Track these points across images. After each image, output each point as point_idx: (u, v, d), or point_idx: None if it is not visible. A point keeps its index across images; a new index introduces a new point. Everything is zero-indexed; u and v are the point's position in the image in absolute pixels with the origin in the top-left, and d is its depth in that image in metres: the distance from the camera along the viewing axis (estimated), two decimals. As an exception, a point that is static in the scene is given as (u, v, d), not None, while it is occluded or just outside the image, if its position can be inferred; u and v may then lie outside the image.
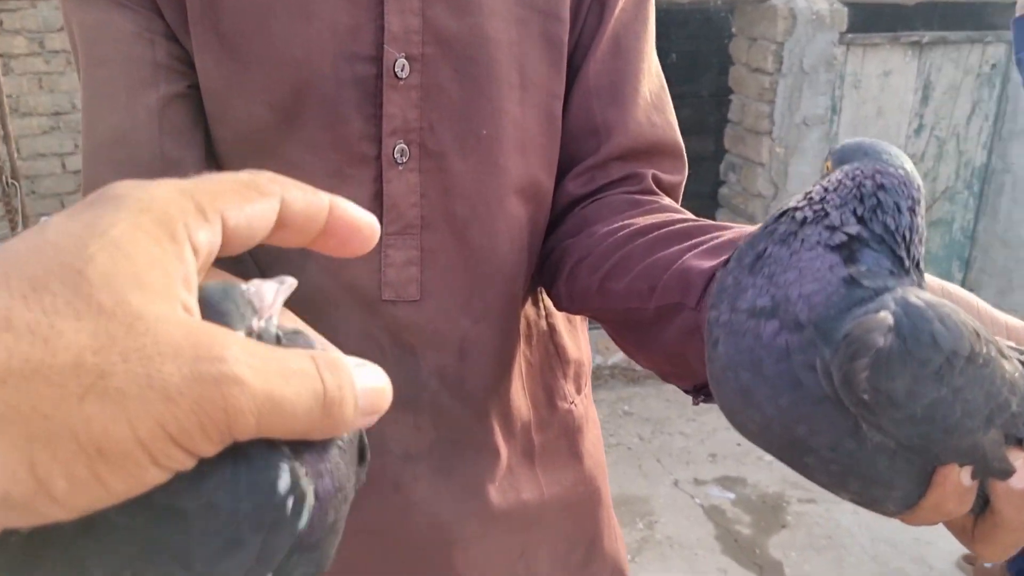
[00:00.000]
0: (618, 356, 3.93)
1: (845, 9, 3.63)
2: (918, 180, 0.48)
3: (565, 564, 0.93)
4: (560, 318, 0.91)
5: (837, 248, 0.46)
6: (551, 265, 0.82)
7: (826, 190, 0.48)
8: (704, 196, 4.30)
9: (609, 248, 0.73)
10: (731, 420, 0.50)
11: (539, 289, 0.87)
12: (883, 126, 3.89)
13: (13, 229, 2.21)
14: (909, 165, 0.48)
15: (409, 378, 0.80)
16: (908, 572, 2.76)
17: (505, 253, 0.80)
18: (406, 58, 0.73)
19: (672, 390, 3.81)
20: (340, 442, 0.36)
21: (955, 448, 0.45)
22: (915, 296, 0.43)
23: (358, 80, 0.73)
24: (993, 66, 3.95)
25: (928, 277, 0.52)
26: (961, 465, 0.46)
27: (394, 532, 0.81)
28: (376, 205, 0.76)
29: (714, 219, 3.90)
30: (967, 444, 0.45)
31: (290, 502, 0.33)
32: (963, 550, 2.77)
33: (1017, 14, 2.11)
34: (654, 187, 0.81)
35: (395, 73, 0.73)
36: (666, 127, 0.84)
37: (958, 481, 0.46)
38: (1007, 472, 0.47)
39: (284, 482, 0.33)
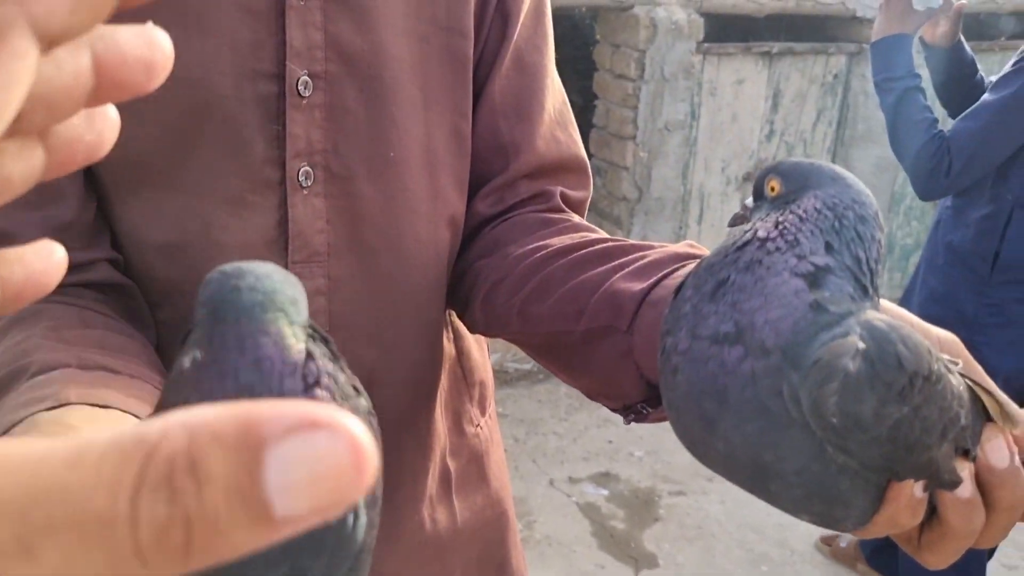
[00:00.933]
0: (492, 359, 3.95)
1: (701, 20, 3.78)
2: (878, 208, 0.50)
3: None
4: (470, 340, 0.89)
5: (802, 275, 0.46)
6: (464, 288, 0.80)
7: (802, 219, 0.48)
8: (571, 199, 4.39)
9: (527, 270, 0.72)
10: (691, 450, 0.50)
11: (448, 313, 0.85)
12: (738, 131, 4.07)
13: None
14: (870, 193, 0.50)
15: None
16: (772, 556, 2.90)
17: (417, 280, 0.77)
18: (309, 75, 0.70)
19: (544, 390, 3.87)
20: None
21: (914, 464, 0.46)
22: (877, 319, 0.45)
23: (260, 99, 0.69)
24: (835, 76, 4.21)
25: None
26: (916, 480, 0.47)
27: None
28: (281, 232, 0.72)
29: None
30: (924, 459, 0.46)
31: (350, 523, 0.34)
32: (820, 532, 2.93)
33: (873, 39, 2.24)
34: (562, 205, 0.80)
35: (298, 91, 0.69)
36: (570, 143, 0.83)
37: (911, 495, 0.48)
38: (955, 483, 0.48)
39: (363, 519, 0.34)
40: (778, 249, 0.47)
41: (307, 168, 0.71)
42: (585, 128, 4.23)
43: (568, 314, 0.66)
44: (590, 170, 0.86)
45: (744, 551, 2.92)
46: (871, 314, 0.46)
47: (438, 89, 0.76)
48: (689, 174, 4.04)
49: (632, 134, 3.86)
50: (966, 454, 0.49)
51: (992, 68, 4.63)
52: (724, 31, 3.94)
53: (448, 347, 0.86)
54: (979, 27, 4.52)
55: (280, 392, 0.33)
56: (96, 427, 0.46)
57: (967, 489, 0.48)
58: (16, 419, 0.49)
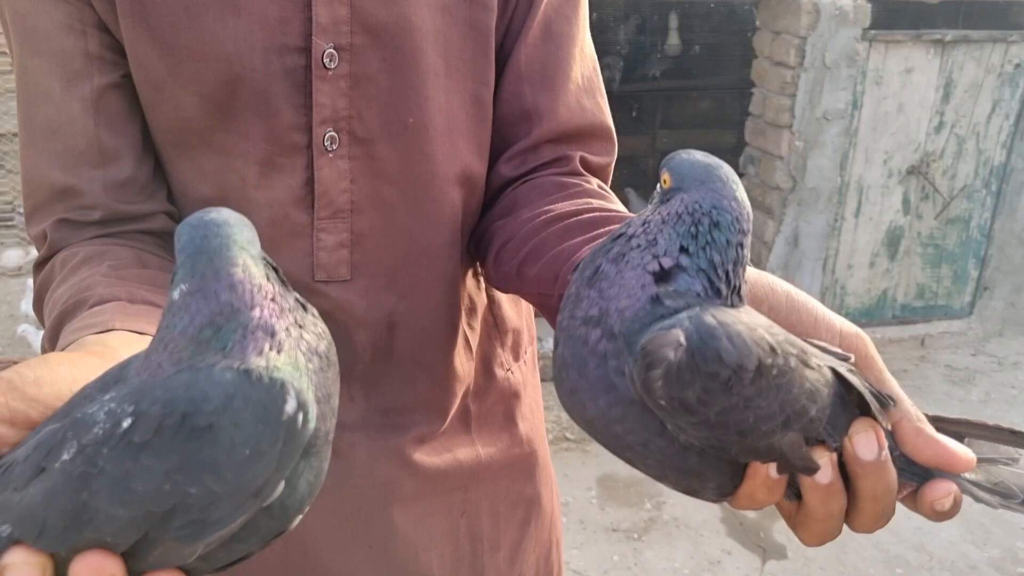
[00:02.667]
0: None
1: (868, 6, 3.65)
2: (748, 211, 0.53)
3: (507, 521, 0.98)
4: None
5: (652, 272, 0.51)
6: (483, 245, 0.86)
7: (664, 221, 0.53)
8: (723, 187, 4.34)
9: (528, 233, 0.76)
10: (569, 415, 0.56)
11: (477, 264, 0.91)
12: (903, 123, 3.91)
13: None
14: (741, 194, 0.53)
15: (343, 353, 0.85)
16: (908, 559, 2.82)
17: (432, 235, 0.83)
18: (334, 48, 0.75)
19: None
20: (320, 360, 0.46)
21: (751, 448, 0.50)
22: (711, 316, 0.49)
23: (288, 71, 0.75)
24: (1017, 66, 3.96)
25: (772, 281, 0.58)
26: (764, 462, 0.51)
27: (335, 495, 0.84)
28: (307, 191, 0.78)
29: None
30: (763, 445, 0.50)
31: (300, 416, 0.42)
32: (965, 539, 2.82)
33: None
34: (581, 169, 0.84)
35: (324, 64, 0.75)
36: (596, 110, 0.87)
37: (767, 475, 0.52)
38: (812, 469, 0.52)
39: (292, 403, 0.41)
40: (639, 246, 0.53)
41: (332, 133, 0.77)
42: (740, 116, 4.18)
43: (547, 279, 0.71)
44: (615, 138, 0.90)
45: (879, 551, 2.85)
46: (711, 310, 0.49)
47: (459, 58, 0.80)
48: (848, 165, 3.92)
49: (788, 123, 3.79)
50: (824, 443, 0.52)
51: None
52: (893, 17, 3.79)
53: (480, 295, 0.92)
54: None
55: (251, 305, 0.43)
56: (131, 350, 0.52)
57: (825, 475, 0.52)
58: (70, 341, 0.59)
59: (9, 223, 4.33)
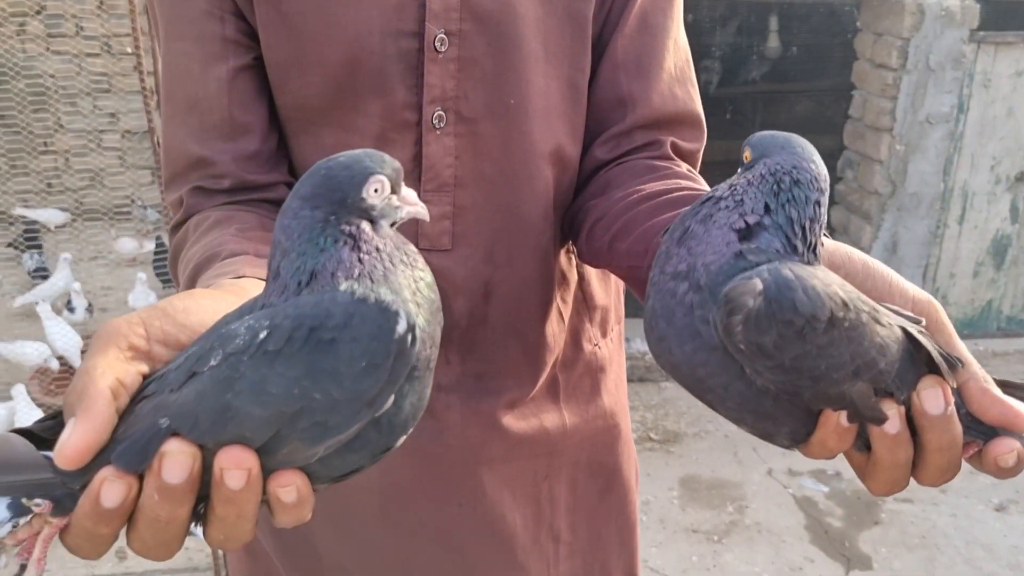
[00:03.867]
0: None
1: (977, 6, 3.54)
2: (825, 173, 0.57)
3: (586, 489, 1.03)
4: (591, 269, 1.00)
5: (737, 230, 0.56)
6: (577, 223, 0.91)
7: (749, 183, 0.57)
8: (820, 192, 4.25)
9: (619, 211, 0.82)
10: (657, 360, 0.61)
11: (570, 241, 0.97)
12: (1013, 127, 3.77)
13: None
14: (818, 159, 0.57)
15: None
16: (1002, 577, 2.72)
17: (528, 209, 0.89)
18: (445, 33, 0.82)
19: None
20: (425, 298, 0.51)
21: (823, 395, 0.54)
22: (788, 269, 0.53)
23: (402, 54, 0.82)
24: None
25: (850, 251, 0.62)
26: (835, 410, 0.55)
27: (430, 453, 0.92)
28: (416, 166, 0.85)
29: (829, 216, 3.88)
30: (834, 392, 0.54)
31: (409, 337, 0.47)
32: (1063, 561, 2.71)
33: None
34: (671, 153, 0.89)
35: (435, 47, 0.82)
36: (687, 99, 0.92)
37: (838, 423, 0.55)
38: (880, 419, 0.55)
39: (403, 324, 0.47)
40: (726, 207, 0.57)
41: (440, 112, 0.84)
42: (839, 119, 4.10)
43: (638, 252, 0.76)
44: (704, 125, 0.94)
45: (971, 568, 2.76)
46: (789, 265, 0.54)
47: (557, 45, 0.86)
48: (952, 171, 3.80)
49: (889, 126, 3.70)
50: (893, 396, 0.56)
51: None
52: (1004, 18, 3.65)
53: (571, 271, 0.97)
54: None
55: (373, 238, 0.51)
56: (259, 291, 0.58)
57: (893, 425, 0.55)
58: (208, 285, 0.66)
59: (127, 215, 4.58)
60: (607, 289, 1.03)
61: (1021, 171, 3.84)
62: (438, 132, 0.85)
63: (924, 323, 0.58)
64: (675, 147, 0.91)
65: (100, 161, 4.77)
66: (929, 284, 3.98)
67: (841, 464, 3.30)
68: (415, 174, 0.86)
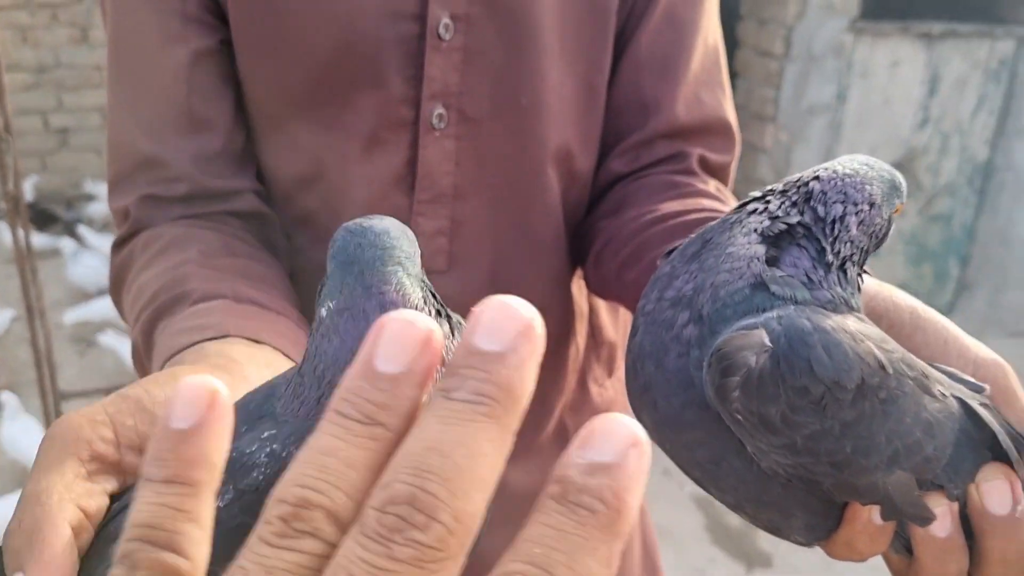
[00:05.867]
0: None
1: (856, -5, 3.57)
2: (881, 197, 0.47)
3: None
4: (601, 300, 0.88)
5: (768, 238, 0.44)
6: (586, 245, 0.80)
7: (784, 191, 0.46)
8: (703, 181, 4.25)
9: (630, 234, 0.72)
10: (636, 416, 0.46)
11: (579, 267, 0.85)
12: (888, 117, 3.84)
13: (4, 184, 2.12)
14: (891, 174, 0.48)
15: None
16: (899, 569, 2.74)
17: (538, 227, 0.78)
18: (451, 18, 0.71)
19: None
20: None
21: (848, 485, 0.42)
22: (806, 319, 0.41)
23: (400, 40, 0.71)
24: (1001, 61, 3.90)
25: (895, 295, 0.50)
26: (865, 504, 0.43)
27: None
28: (409, 172, 0.74)
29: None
30: (863, 483, 0.42)
31: None
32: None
33: None
34: (696, 168, 0.79)
35: (438, 34, 0.71)
36: (716, 105, 0.81)
37: (868, 520, 0.44)
38: (925, 519, 0.44)
39: None
40: (755, 211, 0.45)
41: (441, 110, 0.72)
42: (723, 107, 4.08)
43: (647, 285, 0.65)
44: (737, 135, 0.84)
45: (866, 563, 2.76)
46: (811, 314, 0.41)
47: (576, 40, 0.75)
48: (833, 160, 3.84)
49: (773, 115, 3.70)
50: (942, 489, 0.44)
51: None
52: (881, 9, 3.70)
53: (581, 301, 0.85)
54: None
55: None
56: (255, 364, 0.51)
57: (942, 528, 0.44)
58: (186, 343, 0.54)
59: None
60: (616, 323, 0.90)
61: (897, 160, 3.91)
62: (437, 133, 0.73)
63: (988, 391, 0.46)
64: (703, 160, 0.79)
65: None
66: (810, 273, 4.03)
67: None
68: (408, 182, 0.74)
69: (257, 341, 0.56)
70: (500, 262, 0.78)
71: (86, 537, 0.37)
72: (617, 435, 0.26)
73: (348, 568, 0.23)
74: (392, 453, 0.25)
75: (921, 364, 0.44)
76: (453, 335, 0.41)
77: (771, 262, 0.43)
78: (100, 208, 4.70)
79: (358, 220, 0.41)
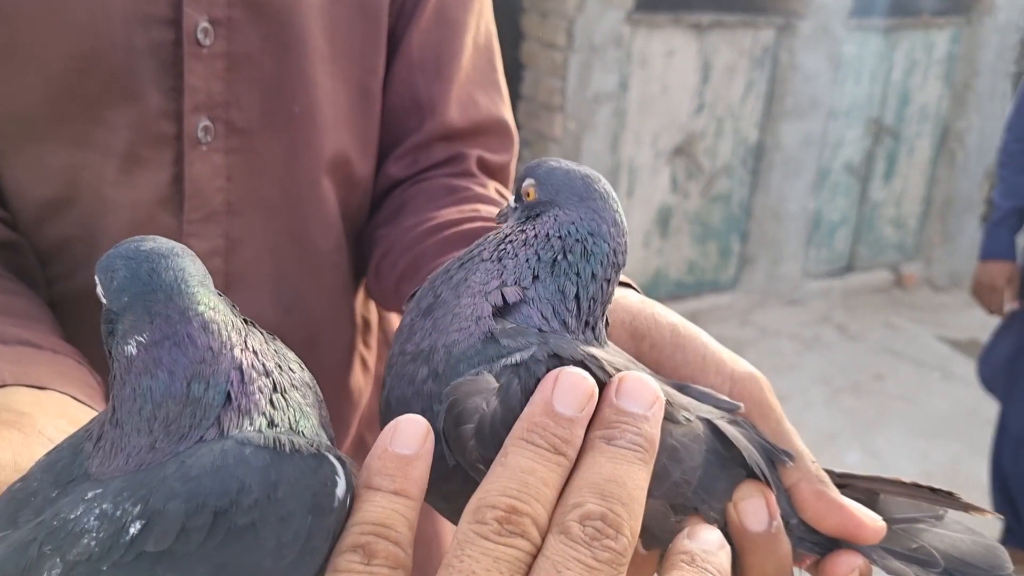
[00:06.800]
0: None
1: (631, -12, 3.71)
2: (627, 240, 0.46)
3: None
4: None
5: (495, 304, 0.43)
6: (366, 254, 0.78)
7: (525, 243, 0.44)
8: (499, 172, 4.29)
9: (407, 244, 0.69)
10: None
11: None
12: (668, 104, 4.02)
13: None
14: (621, 216, 0.45)
15: None
16: None
17: (318, 240, 0.75)
18: (209, 22, 0.65)
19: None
20: (311, 391, 0.40)
21: None
22: (545, 356, 0.40)
23: (154, 47, 0.65)
24: (764, 49, 4.18)
25: (657, 313, 0.50)
26: None
27: None
28: (176, 191, 0.69)
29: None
30: None
31: (348, 497, 0.35)
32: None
33: None
34: (475, 169, 0.78)
35: (197, 39, 0.65)
36: (491, 105, 0.80)
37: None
38: None
39: (342, 481, 0.35)
40: (486, 270, 0.44)
41: (207, 123, 0.68)
42: (513, 99, 4.13)
43: None
44: (515, 133, 0.82)
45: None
46: (550, 346, 0.41)
47: (347, 42, 0.72)
48: (619, 146, 3.98)
49: (561, 105, 3.79)
50: (697, 513, 0.44)
51: (915, 45, 4.67)
52: (655, 1, 3.87)
53: (370, 312, 0.83)
54: (902, 3, 4.55)
55: (232, 346, 0.36)
56: (46, 414, 0.47)
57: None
58: None
59: None
60: None
61: (677, 145, 4.12)
62: (204, 148, 0.68)
63: (742, 408, 0.47)
64: (481, 161, 0.77)
65: None
66: (606, 257, 4.16)
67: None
68: (175, 201, 0.68)
69: (40, 387, 0.51)
70: (281, 279, 0.74)
71: None
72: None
73: (561, 564, 0.31)
74: (567, 475, 0.34)
75: (669, 390, 0.44)
76: (268, 344, 0.39)
77: (500, 313, 0.43)
78: None
79: (129, 244, 0.37)
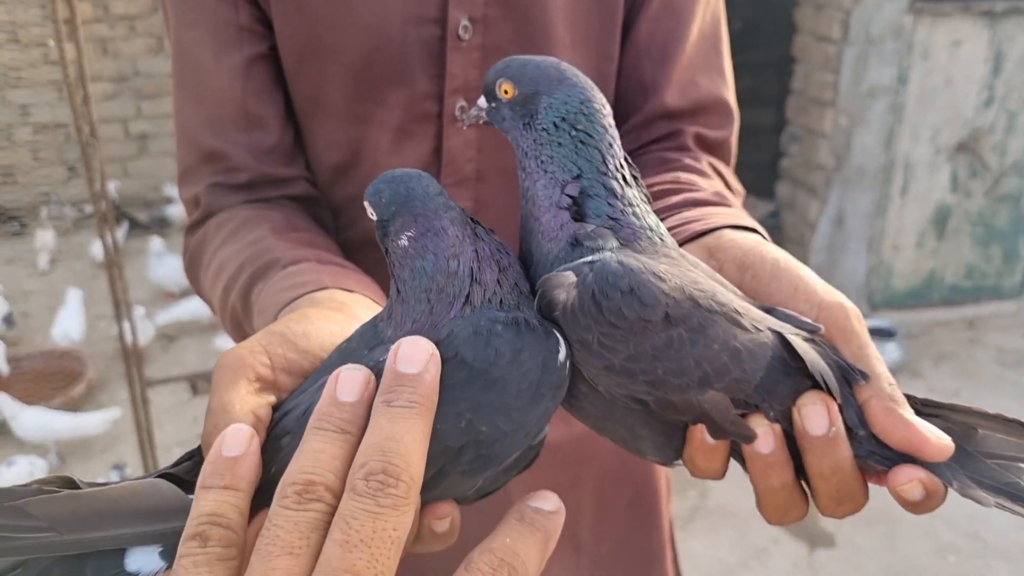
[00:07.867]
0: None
1: (915, -24, 3.53)
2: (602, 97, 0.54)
3: (612, 498, 0.98)
4: None
5: (567, 207, 0.51)
6: None
7: (539, 140, 0.52)
8: (764, 167, 4.24)
9: None
10: None
11: None
12: (951, 97, 3.79)
13: (91, 186, 2.27)
14: (581, 74, 0.54)
15: None
16: (961, 547, 2.74)
17: None
18: (469, 20, 0.77)
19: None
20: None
21: (667, 403, 0.48)
22: (616, 262, 0.47)
23: (423, 42, 0.78)
24: (1069, 36, 3.81)
25: (765, 251, 0.56)
26: (691, 423, 0.49)
27: None
28: (435, 160, 0.82)
29: (773, 192, 3.82)
30: (680, 401, 0.48)
31: (568, 362, 0.46)
32: (1020, 526, 2.73)
33: None
34: (691, 144, 0.85)
35: (458, 35, 0.77)
36: (711, 86, 0.87)
37: (703, 440, 0.49)
38: (747, 437, 0.49)
39: (563, 350, 0.46)
40: (544, 186, 0.52)
41: (463, 103, 0.80)
42: (782, 94, 4.07)
43: None
44: (735, 111, 0.89)
45: (930, 540, 2.77)
46: (623, 257, 0.48)
47: (585, 32, 0.82)
48: (894, 142, 3.81)
49: (832, 99, 3.68)
50: (759, 409, 0.49)
51: None
52: (941, -11, 3.65)
53: None
54: None
55: (476, 237, 0.49)
56: (358, 304, 0.60)
57: (765, 444, 0.49)
58: (291, 297, 0.62)
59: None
60: None
61: (960, 141, 3.86)
62: (459, 124, 0.81)
63: (822, 330, 0.51)
64: (699, 137, 0.86)
65: (11, 157, 4.52)
66: (874, 256, 3.99)
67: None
68: (434, 168, 0.82)
69: (350, 291, 0.64)
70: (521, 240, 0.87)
71: (262, 435, 0.46)
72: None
73: (350, 516, 0.37)
74: (357, 446, 0.41)
75: (738, 301, 0.50)
76: (490, 236, 0.50)
77: (578, 217, 0.51)
78: (179, 210, 4.91)
79: (386, 174, 0.50)
